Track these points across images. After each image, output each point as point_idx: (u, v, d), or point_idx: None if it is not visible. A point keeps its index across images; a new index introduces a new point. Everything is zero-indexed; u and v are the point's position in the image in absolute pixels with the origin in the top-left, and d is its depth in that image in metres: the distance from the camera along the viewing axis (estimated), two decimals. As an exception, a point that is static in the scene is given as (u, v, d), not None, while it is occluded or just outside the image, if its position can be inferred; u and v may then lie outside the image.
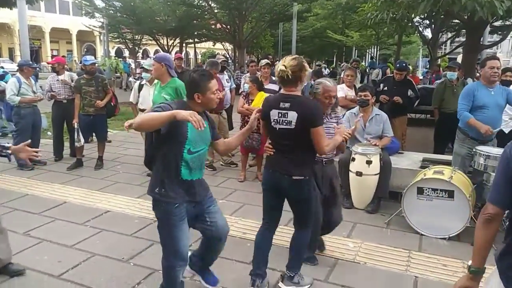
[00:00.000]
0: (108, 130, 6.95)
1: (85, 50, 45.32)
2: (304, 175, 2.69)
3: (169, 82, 4.20)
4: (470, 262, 1.68)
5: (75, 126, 5.97)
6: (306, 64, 2.69)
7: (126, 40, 25.81)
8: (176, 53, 26.16)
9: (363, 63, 34.38)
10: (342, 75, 10.43)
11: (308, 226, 2.90)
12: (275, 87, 6.06)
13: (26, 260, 3.33)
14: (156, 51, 43.48)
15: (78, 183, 5.48)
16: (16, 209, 4.47)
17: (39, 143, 6.42)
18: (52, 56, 37.77)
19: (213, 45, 35.87)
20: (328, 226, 3.41)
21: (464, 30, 13.62)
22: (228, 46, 27.98)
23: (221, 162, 6.43)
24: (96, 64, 6.92)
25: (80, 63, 9.19)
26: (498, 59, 4.21)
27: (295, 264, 2.95)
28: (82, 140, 6.07)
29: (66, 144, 6.81)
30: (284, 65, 2.62)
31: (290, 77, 2.60)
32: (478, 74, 10.13)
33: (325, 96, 3.01)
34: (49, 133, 7.91)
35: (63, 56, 41.52)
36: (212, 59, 7.22)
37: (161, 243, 2.54)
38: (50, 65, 6.81)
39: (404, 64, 6.12)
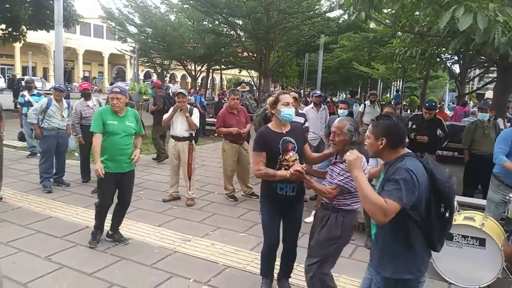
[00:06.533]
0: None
1: (116, 72, 46.91)
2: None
3: (128, 112, 4.35)
4: None
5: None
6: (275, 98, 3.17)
7: (155, 65, 26.64)
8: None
9: (388, 95, 34.14)
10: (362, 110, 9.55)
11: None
12: (300, 119, 6.02)
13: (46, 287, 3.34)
14: (183, 76, 44.69)
15: (101, 207, 5.51)
16: (39, 231, 4.52)
17: (64, 166, 6.56)
18: (84, 77, 39.25)
19: (239, 72, 36.47)
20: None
21: (493, 67, 13.45)
22: (254, 73, 28.36)
23: (242, 193, 6.38)
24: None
25: (111, 84, 9.45)
26: None
27: None
28: None
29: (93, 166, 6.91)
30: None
31: None
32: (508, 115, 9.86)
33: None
34: (76, 154, 8.06)
35: (94, 78, 43.19)
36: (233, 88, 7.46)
37: None
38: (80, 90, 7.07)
39: (433, 104, 6.00)
